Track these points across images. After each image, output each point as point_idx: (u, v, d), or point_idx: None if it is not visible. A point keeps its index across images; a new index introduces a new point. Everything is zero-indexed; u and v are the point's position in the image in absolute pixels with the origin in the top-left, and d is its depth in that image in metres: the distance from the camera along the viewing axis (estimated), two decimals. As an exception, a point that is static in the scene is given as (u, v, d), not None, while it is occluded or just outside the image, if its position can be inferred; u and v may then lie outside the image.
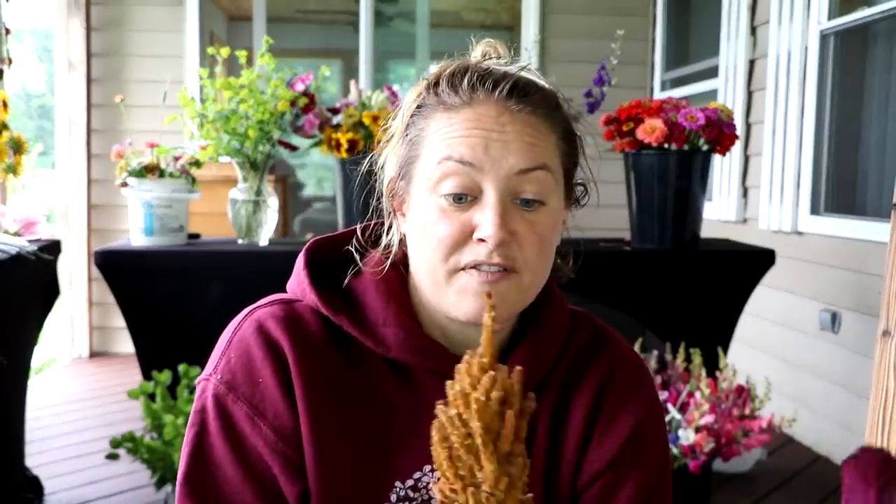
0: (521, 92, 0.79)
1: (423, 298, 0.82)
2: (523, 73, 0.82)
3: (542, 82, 0.82)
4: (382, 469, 0.80)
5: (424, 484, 0.80)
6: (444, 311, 0.80)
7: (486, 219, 0.75)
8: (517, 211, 0.77)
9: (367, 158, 0.87)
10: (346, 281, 0.85)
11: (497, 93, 0.78)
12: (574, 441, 0.84)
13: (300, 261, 0.86)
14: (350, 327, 0.81)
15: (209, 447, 0.79)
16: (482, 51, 0.85)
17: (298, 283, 0.84)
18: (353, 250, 0.86)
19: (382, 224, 0.87)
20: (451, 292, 0.77)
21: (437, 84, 0.81)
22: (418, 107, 0.81)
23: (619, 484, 0.83)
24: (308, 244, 0.88)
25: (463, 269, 0.77)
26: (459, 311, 0.77)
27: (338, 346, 0.81)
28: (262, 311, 0.82)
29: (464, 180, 0.76)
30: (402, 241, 0.85)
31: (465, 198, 0.76)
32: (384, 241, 0.86)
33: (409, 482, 0.80)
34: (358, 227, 0.88)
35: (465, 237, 0.76)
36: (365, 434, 0.80)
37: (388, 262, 0.84)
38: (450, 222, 0.76)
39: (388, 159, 0.85)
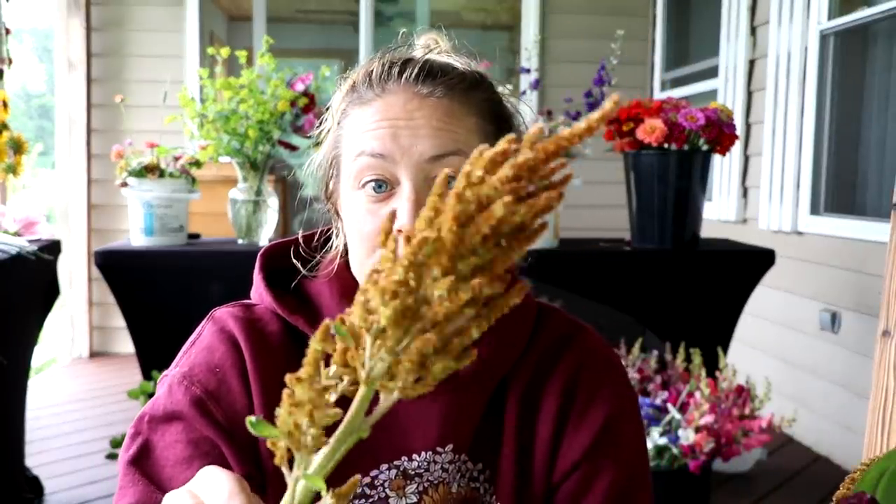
0: (430, 75, 0.77)
1: None
2: (438, 57, 0.80)
3: (457, 64, 0.80)
4: (339, 466, 0.80)
5: (381, 482, 0.80)
6: None
7: (401, 209, 0.74)
8: None
9: (307, 163, 0.87)
10: (295, 284, 0.85)
11: (404, 79, 0.77)
12: (545, 437, 0.83)
13: (256, 265, 0.86)
14: (306, 327, 0.81)
15: (157, 430, 0.78)
16: (424, 43, 0.84)
17: (255, 288, 0.85)
18: (294, 259, 0.86)
19: (329, 229, 0.88)
20: None
21: (353, 82, 0.81)
22: (343, 108, 0.82)
23: (593, 478, 0.81)
24: (263, 249, 0.88)
25: None
26: None
27: (297, 347, 0.82)
28: (222, 311, 0.84)
29: (379, 172, 0.76)
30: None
31: (384, 186, 0.76)
32: (333, 243, 0.87)
33: (366, 479, 0.80)
34: (300, 233, 0.88)
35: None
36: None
37: (337, 262, 0.84)
38: (372, 218, 0.76)
39: (321, 162, 0.85)
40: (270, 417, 0.75)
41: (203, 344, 0.81)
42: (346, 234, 0.82)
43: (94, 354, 4.65)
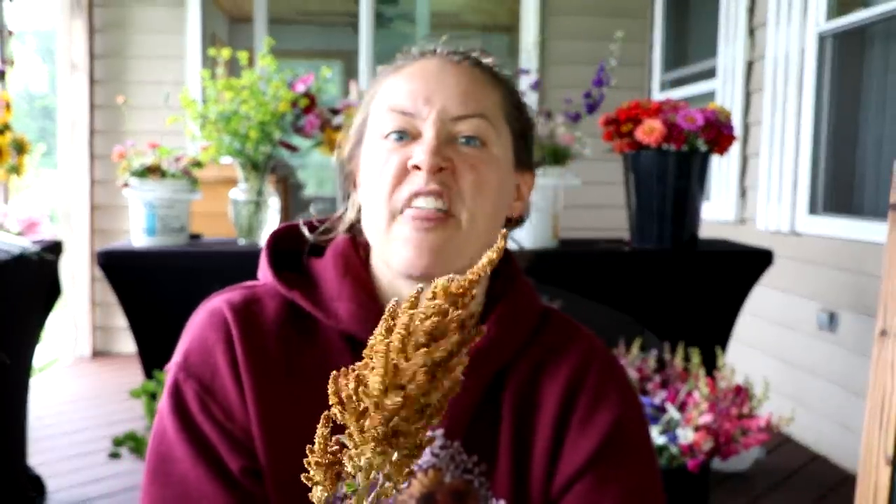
0: (466, 55, 0.83)
1: (380, 270, 0.84)
2: (473, 53, 0.85)
3: (488, 59, 0.85)
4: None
5: None
6: (388, 265, 0.81)
7: (420, 148, 0.77)
8: (454, 147, 0.79)
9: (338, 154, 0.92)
10: (302, 264, 0.88)
11: (439, 53, 0.83)
12: (545, 437, 0.82)
13: (264, 244, 0.89)
14: (303, 301, 0.82)
15: (164, 430, 0.81)
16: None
17: (260, 266, 0.87)
18: (306, 230, 0.89)
19: (339, 216, 0.91)
20: (392, 241, 0.79)
21: (393, 60, 0.86)
22: (374, 80, 0.86)
23: (604, 485, 0.80)
24: (274, 230, 0.91)
25: (402, 210, 0.78)
26: (397, 261, 0.79)
27: (295, 325, 0.83)
28: (219, 297, 0.85)
29: (403, 125, 0.79)
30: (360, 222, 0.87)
31: (406, 135, 0.79)
32: (346, 215, 0.89)
33: None
34: (314, 215, 0.92)
35: (404, 170, 0.78)
36: (315, 410, 0.80)
37: (347, 236, 0.87)
38: (390, 158, 0.79)
39: (349, 137, 0.88)
40: (261, 404, 0.78)
41: (197, 331, 0.83)
42: (361, 193, 0.84)
43: (96, 354, 4.66)
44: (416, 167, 0.77)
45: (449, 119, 0.78)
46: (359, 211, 0.87)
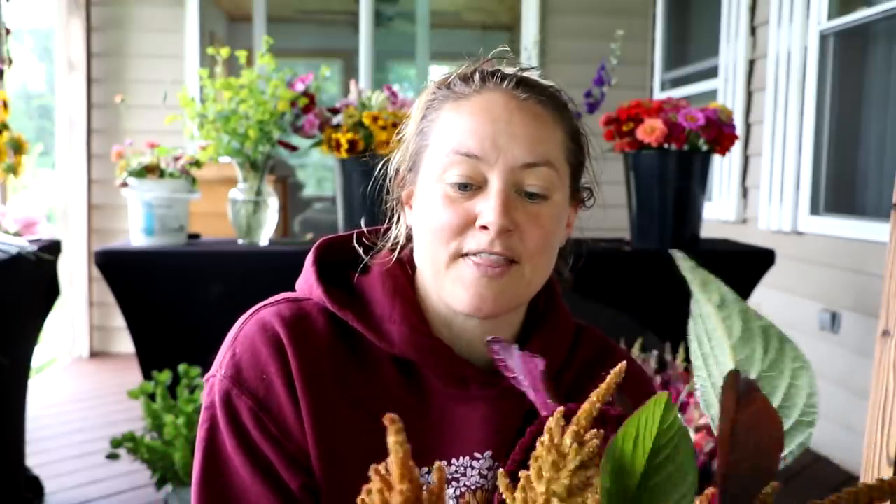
0: (527, 85, 0.81)
1: (429, 295, 0.84)
2: (530, 74, 0.84)
3: (548, 83, 0.84)
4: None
5: (423, 484, 0.80)
6: (443, 300, 0.81)
7: (488, 207, 0.76)
8: (520, 202, 0.78)
9: (384, 161, 0.89)
10: (346, 278, 0.86)
11: (506, 83, 0.80)
12: None
13: (308, 258, 0.87)
14: (355, 322, 0.82)
15: (220, 444, 0.80)
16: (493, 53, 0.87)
17: (306, 281, 0.86)
18: (357, 245, 0.87)
19: (390, 227, 0.89)
20: (450, 280, 0.79)
21: (448, 80, 0.83)
22: (430, 101, 0.83)
23: None
24: (318, 243, 0.89)
25: (464, 255, 0.78)
26: (455, 301, 0.79)
27: (344, 343, 0.82)
28: (267, 309, 0.83)
29: (469, 171, 0.78)
30: (410, 237, 0.86)
31: (470, 186, 0.78)
32: (392, 232, 0.88)
33: None
34: (363, 227, 0.90)
35: (467, 224, 0.78)
36: (367, 430, 0.80)
37: (395, 254, 0.85)
38: (453, 209, 0.78)
39: (400, 154, 0.87)
40: (317, 423, 0.77)
41: (247, 343, 0.81)
42: (415, 225, 0.83)
43: (94, 354, 4.65)
44: (484, 227, 0.77)
45: (517, 167, 0.78)
46: (407, 231, 0.86)
